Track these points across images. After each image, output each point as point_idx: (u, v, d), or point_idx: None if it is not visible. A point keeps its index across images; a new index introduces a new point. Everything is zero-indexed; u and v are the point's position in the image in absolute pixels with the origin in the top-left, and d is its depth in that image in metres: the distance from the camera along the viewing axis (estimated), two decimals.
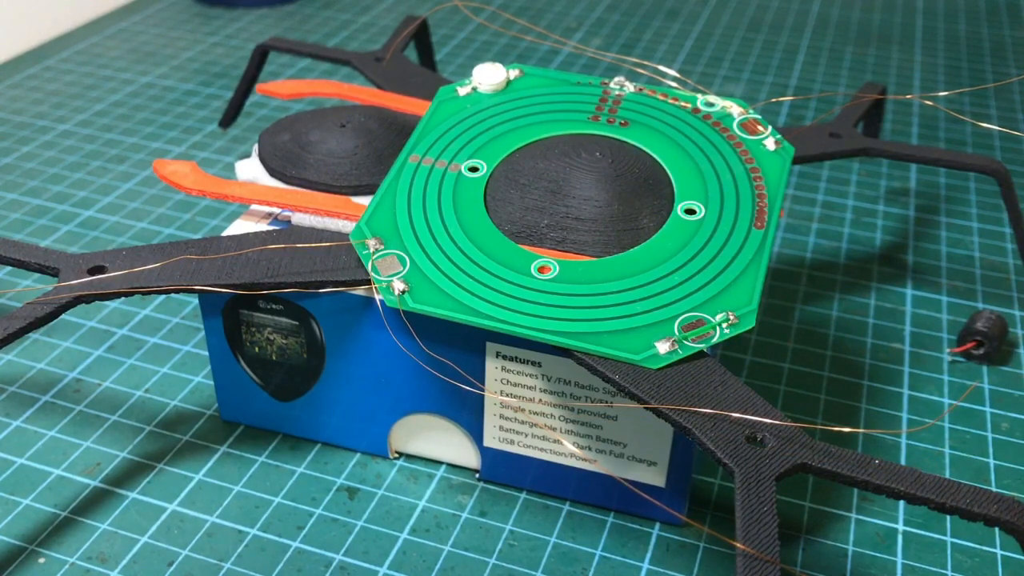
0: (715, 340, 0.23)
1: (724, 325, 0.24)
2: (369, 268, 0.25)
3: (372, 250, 0.26)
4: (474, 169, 0.28)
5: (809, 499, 0.29)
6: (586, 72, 0.55)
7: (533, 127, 0.29)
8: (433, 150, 0.29)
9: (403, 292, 0.25)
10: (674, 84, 0.31)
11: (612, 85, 0.31)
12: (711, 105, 0.30)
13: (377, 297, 0.25)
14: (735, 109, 0.30)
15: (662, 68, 0.32)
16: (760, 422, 0.22)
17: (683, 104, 0.30)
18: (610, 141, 0.28)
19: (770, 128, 0.29)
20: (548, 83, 0.31)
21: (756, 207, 0.27)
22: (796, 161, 0.34)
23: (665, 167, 0.28)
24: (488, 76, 0.31)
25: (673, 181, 0.27)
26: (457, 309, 0.24)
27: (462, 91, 0.31)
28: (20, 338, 0.28)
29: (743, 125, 0.29)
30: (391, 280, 0.25)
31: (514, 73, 0.31)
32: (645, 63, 0.37)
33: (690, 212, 0.26)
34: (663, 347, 0.23)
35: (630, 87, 0.31)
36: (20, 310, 0.25)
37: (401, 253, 0.26)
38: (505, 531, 0.27)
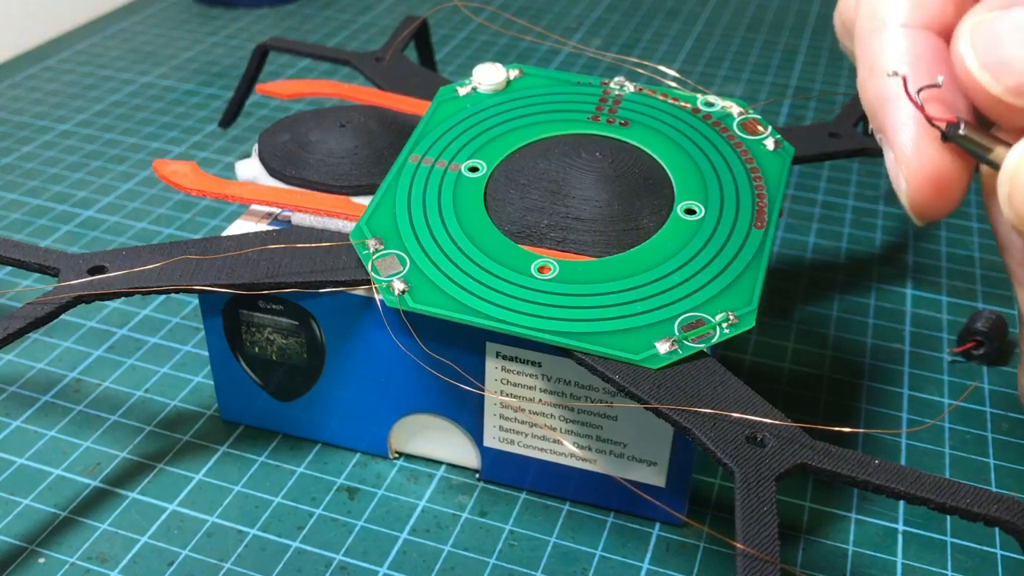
0: (715, 340, 0.23)
1: (724, 325, 0.24)
2: (369, 268, 0.25)
3: (372, 250, 0.26)
4: (474, 169, 0.28)
5: (809, 499, 0.29)
6: (586, 72, 0.55)
7: (533, 127, 0.29)
8: (433, 150, 0.29)
9: (403, 292, 0.25)
10: (674, 84, 0.31)
11: (612, 85, 0.31)
12: (711, 105, 0.30)
13: (377, 297, 0.25)
14: (735, 109, 0.30)
15: (662, 68, 0.32)
16: (760, 422, 0.22)
17: (683, 104, 0.30)
18: (610, 141, 0.28)
19: (770, 128, 0.29)
20: (548, 83, 0.31)
21: (756, 207, 0.27)
22: (796, 161, 0.34)
23: (665, 167, 0.28)
24: (488, 76, 0.31)
25: (673, 181, 0.27)
26: (457, 309, 0.24)
27: (462, 91, 0.31)
28: (20, 338, 0.28)
29: (743, 125, 0.29)
30: (391, 280, 0.25)
31: (514, 73, 0.31)
32: (645, 63, 0.37)
33: (690, 212, 0.26)
34: (663, 347, 0.23)
35: (630, 87, 0.31)
36: (20, 310, 0.25)
37: (401, 253, 0.26)
38: (505, 531, 0.27)
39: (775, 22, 0.63)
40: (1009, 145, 0.19)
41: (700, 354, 0.23)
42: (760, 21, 0.63)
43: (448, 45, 0.58)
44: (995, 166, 0.19)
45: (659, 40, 0.59)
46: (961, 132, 0.18)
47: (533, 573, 0.26)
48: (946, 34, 0.20)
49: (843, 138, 0.34)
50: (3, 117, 0.49)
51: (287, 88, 0.36)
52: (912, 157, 0.19)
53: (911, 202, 0.19)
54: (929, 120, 0.19)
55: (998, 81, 0.18)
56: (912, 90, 0.19)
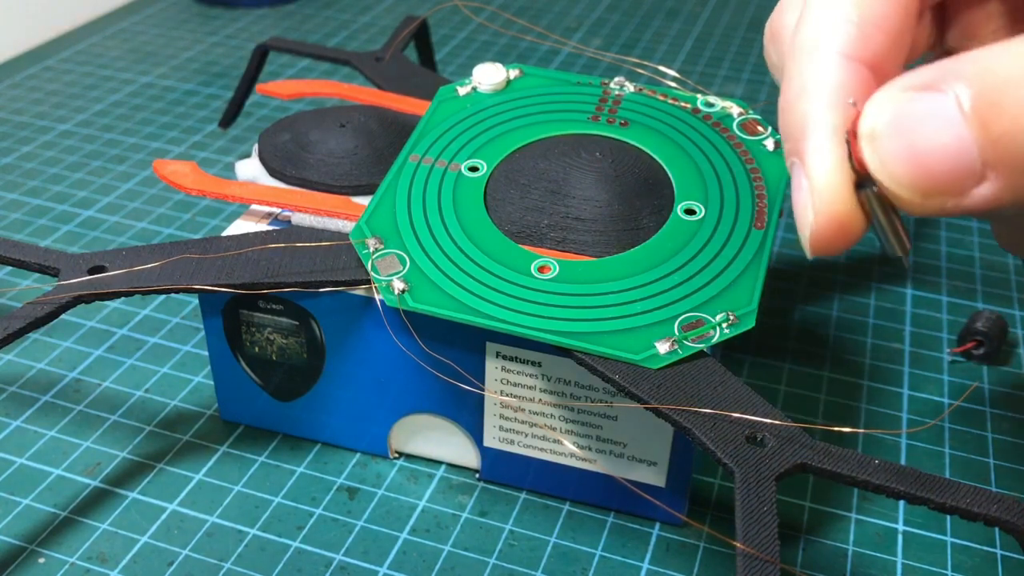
0: (715, 340, 0.23)
1: (724, 325, 0.24)
2: (369, 268, 0.25)
3: (372, 249, 0.26)
4: (474, 169, 0.28)
5: (809, 499, 0.29)
6: (586, 72, 0.55)
7: (533, 127, 0.29)
8: (433, 150, 0.29)
9: (403, 291, 0.25)
10: (674, 84, 0.31)
11: (612, 85, 0.31)
12: (711, 105, 0.30)
13: (377, 297, 0.25)
14: (735, 109, 0.30)
15: (662, 68, 0.32)
16: (760, 422, 0.22)
17: (683, 104, 0.30)
18: (610, 141, 0.28)
19: (770, 128, 0.29)
20: (548, 83, 0.31)
21: (756, 207, 0.27)
22: None
23: (665, 167, 0.28)
24: (488, 76, 0.31)
25: (673, 181, 0.27)
26: (457, 309, 0.24)
27: (462, 91, 0.31)
28: (20, 338, 0.28)
29: (743, 125, 0.29)
30: (391, 279, 0.25)
31: (514, 73, 0.31)
32: (645, 63, 0.37)
33: (690, 212, 0.26)
34: (663, 347, 0.23)
35: (630, 87, 0.31)
36: (20, 310, 0.25)
37: (401, 252, 0.26)
38: (505, 531, 0.27)
39: None
40: (899, 239, 0.18)
41: (700, 354, 0.23)
42: (760, 21, 0.63)
43: (448, 45, 0.58)
44: (885, 242, 0.18)
45: (659, 40, 0.59)
46: (874, 190, 0.18)
47: (533, 573, 0.26)
48: (878, 74, 0.19)
49: None
50: (3, 117, 0.49)
51: (287, 88, 0.36)
52: (826, 192, 0.18)
53: (814, 236, 0.19)
54: (856, 161, 0.18)
55: (880, 163, 0.17)
56: (847, 127, 0.18)
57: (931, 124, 0.16)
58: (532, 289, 0.25)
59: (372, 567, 0.26)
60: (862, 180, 0.18)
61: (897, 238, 0.18)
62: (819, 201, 0.18)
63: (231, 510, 0.28)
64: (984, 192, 0.17)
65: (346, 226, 0.28)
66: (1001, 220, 0.22)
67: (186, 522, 0.28)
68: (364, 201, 0.28)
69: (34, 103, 0.51)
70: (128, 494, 0.28)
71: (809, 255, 0.19)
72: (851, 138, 0.18)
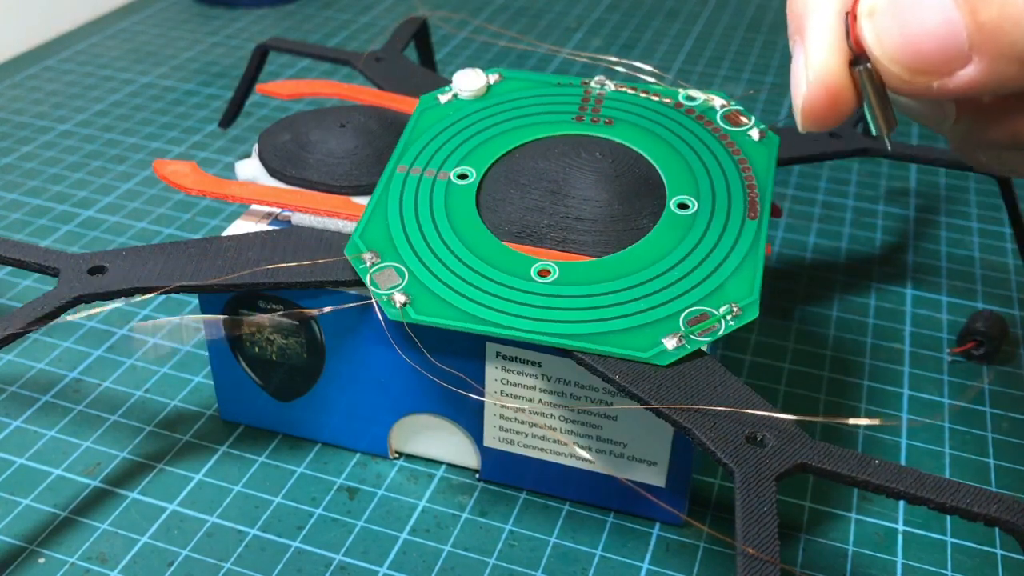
0: (721, 333, 0.23)
1: (728, 317, 0.24)
2: (368, 282, 0.25)
3: (369, 264, 0.26)
4: (463, 176, 0.28)
5: (809, 499, 0.29)
6: (586, 72, 0.55)
7: (518, 131, 0.29)
8: (420, 159, 0.28)
9: (405, 304, 0.25)
10: (652, 80, 0.31)
11: (593, 84, 0.31)
12: (692, 99, 0.30)
13: (379, 313, 0.25)
14: (717, 101, 0.30)
15: (638, 64, 0.32)
16: (760, 422, 0.22)
17: (665, 100, 0.30)
18: (610, 142, 0.28)
19: (753, 119, 0.29)
20: (529, 85, 0.31)
21: (748, 197, 0.27)
22: (796, 161, 0.34)
23: (654, 163, 0.28)
24: (468, 82, 0.31)
25: (663, 177, 0.27)
26: (460, 318, 0.24)
27: (443, 98, 0.31)
28: (20, 338, 0.28)
29: (726, 117, 0.29)
30: (391, 293, 0.25)
31: (494, 78, 0.31)
32: (623, 60, 0.36)
33: (683, 207, 0.26)
34: (671, 343, 0.23)
35: (611, 85, 0.31)
36: (20, 310, 0.25)
37: (398, 265, 0.26)
38: (505, 531, 0.27)
39: (775, 22, 0.63)
40: (885, 117, 0.20)
41: (700, 353, 0.23)
42: (760, 21, 0.63)
43: (448, 45, 0.58)
44: (872, 119, 0.20)
45: (659, 40, 0.59)
46: (867, 67, 0.19)
47: (533, 573, 0.26)
48: None
49: (843, 138, 0.34)
50: (3, 117, 0.49)
51: (287, 88, 0.36)
52: (822, 64, 0.20)
53: (805, 105, 0.20)
54: (853, 39, 0.19)
55: (875, 39, 0.19)
56: (847, 8, 0.20)
57: (925, 7, 0.18)
58: (534, 293, 0.25)
59: (372, 567, 0.26)
60: (857, 58, 0.19)
61: (884, 115, 0.20)
62: (813, 72, 0.20)
63: (231, 510, 0.28)
64: (968, 74, 0.18)
65: (346, 226, 0.28)
66: (962, 124, 0.23)
67: (186, 522, 0.28)
68: (364, 201, 0.28)
69: (34, 103, 0.51)
70: (128, 494, 0.28)
71: (800, 127, 0.21)
72: (851, 18, 0.19)
